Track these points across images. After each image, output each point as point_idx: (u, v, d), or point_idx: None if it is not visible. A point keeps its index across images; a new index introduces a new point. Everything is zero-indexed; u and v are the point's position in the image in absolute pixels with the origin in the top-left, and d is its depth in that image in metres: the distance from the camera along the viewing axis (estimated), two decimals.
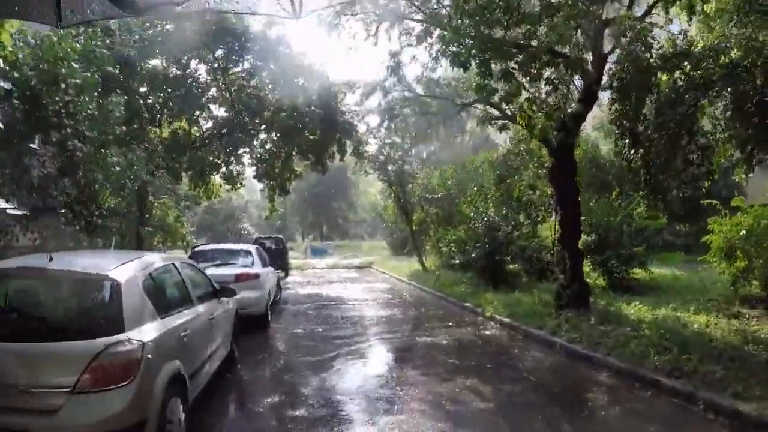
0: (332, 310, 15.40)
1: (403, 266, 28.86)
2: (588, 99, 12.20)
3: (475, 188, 22.09)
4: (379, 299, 17.94)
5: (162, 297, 5.70)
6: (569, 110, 12.57)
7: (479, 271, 17.87)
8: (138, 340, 4.52)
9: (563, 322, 10.81)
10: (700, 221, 23.42)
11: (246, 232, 66.06)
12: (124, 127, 16.02)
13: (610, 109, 11.00)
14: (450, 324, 13.03)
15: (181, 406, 5.21)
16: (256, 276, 12.19)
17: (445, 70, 15.58)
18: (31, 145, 11.66)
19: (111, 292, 4.75)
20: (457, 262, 19.09)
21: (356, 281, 25.40)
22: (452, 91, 16.02)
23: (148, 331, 4.76)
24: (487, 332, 11.91)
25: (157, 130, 21.71)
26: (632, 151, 11.14)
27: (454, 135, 23.39)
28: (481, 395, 7.10)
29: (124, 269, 5.07)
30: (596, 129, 24.20)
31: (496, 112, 14.79)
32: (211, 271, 11.85)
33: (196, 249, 14.80)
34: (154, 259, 6.01)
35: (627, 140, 11.02)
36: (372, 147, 25.70)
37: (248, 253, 13.22)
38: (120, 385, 4.31)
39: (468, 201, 20.90)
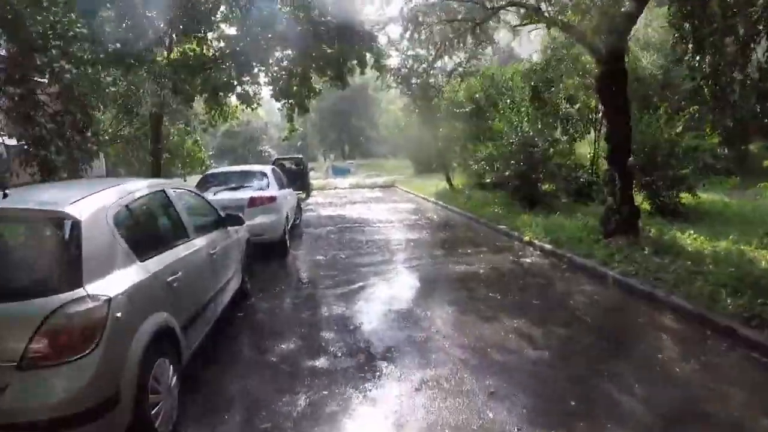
0: (356, 233, 14.38)
1: (430, 185, 27.66)
2: None
3: (508, 101, 20.47)
4: (405, 220, 16.87)
5: (143, 235, 4.64)
6: (621, 9, 11.02)
7: (513, 190, 16.65)
8: (102, 295, 3.47)
9: (615, 251, 9.65)
10: (748, 143, 21.96)
11: (267, 153, 65.06)
12: (118, 45, 14.71)
13: (669, 8, 9.49)
14: (484, 249, 11.95)
15: (171, 368, 4.23)
16: (272, 199, 11.12)
17: None
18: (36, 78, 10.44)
19: (67, 233, 3.63)
20: (488, 180, 17.76)
21: (380, 201, 24.35)
22: None
23: (118, 282, 3.70)
24: (528, 260, 10.78)
25: (165, 51, 20.25)
26: (697, 58, 9.61)
27: (482, 46, 21.56)
28: (530, 341, 6.04)
29: (88, 203, 3.95)
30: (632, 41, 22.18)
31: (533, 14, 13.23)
32: (222, 196, 10.91)
33: (206, 173, 13.65)
34: (137, 187, 4.85)
35: (690, 44, 9.48)
36: (394, 60, 24.05)
37: (263, 174, 12.08)
38: (78, 355, 3.29)
39: (500, 114, 19.36)
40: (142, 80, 14.02)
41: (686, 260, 8.56)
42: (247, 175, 12.16)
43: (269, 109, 67.95)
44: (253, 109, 27.30)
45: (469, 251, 11.72)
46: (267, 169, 12.62)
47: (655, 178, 13.90)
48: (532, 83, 19.85)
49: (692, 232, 10.86)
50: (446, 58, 23.48)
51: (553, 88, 18.59)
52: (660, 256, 8.98)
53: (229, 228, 7.10)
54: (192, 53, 21.92)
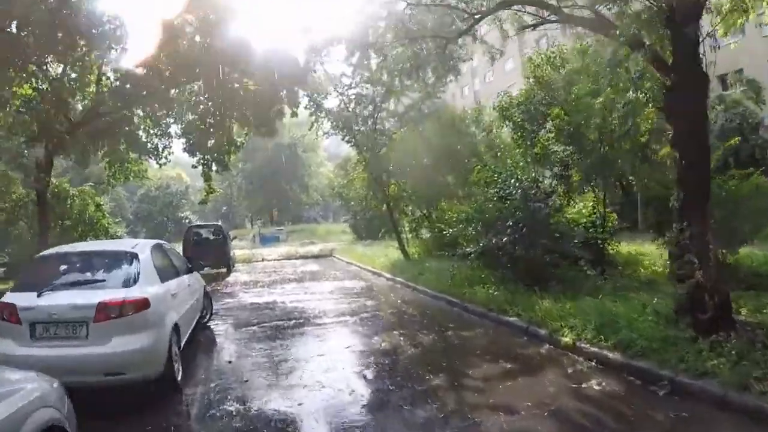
0: (295, 341, 9.42)
1: (375, 254, 23.00)
2: None
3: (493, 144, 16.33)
4: (359, 311, 12.00)
5: None
6: None
7: (510, 262, 12.11)
8: None
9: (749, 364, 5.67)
10: None
11: (188, 220, 59.24)
12: None
13: None
14: (508, 366, 7.39)
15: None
16: (142, 305, 6.10)
17: None
18: None
19: None
20: (470, 250, 13.12)
21: (319, 277, 19.45)
22: None
23: None
24: (595, 386, 6.34)
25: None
26: None
27: (449, 73, 17.55)
28: None
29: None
30: None
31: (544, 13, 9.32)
32: (50, 301, 5.95)
33: (40, 255, 8.06)
34: None
35: None
36: (332, 101, 19.73)
37: (132, 258, 6.88)
38: None
39: (478, 165, 15.16)
40: None
41: None
42: (105, 260, 6.96)
43: (193, 172, 62.03)
44: (160, 165, 22.53)
45: (485, 375, 7.03)
46: (142, 248, 7.38)
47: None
48: (515, 119, 15.95)
49: None
50: (396, 98, 19.44)
51: (547, 122, 14.62)
52: None
53: None
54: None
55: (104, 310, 5.87)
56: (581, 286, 10.80)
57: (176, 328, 6.95)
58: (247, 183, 70.45)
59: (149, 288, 6.46)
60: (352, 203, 33.67)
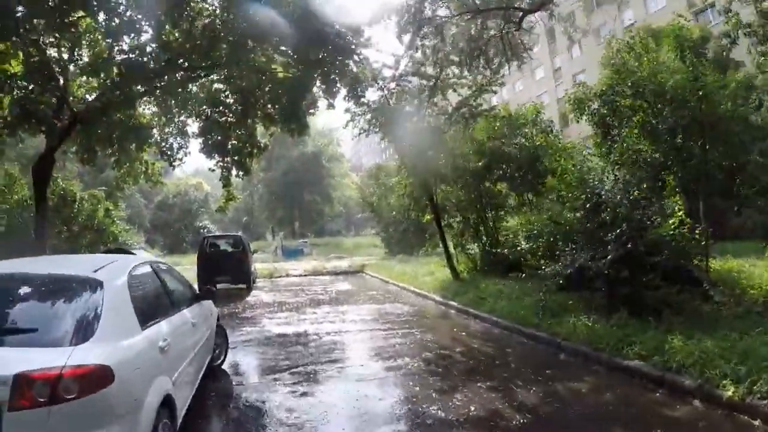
0: (340, 399, 6.64)
1: (416, 272, 20.22)
2: None
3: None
4: (421, 349, 9.24)
5: None
6: None
7: (610, 286, 9.29)
8: None
9: None
10: None
11: (206, 229, 56.90)
12: None
13: None
14: None
15: None
16: (98, 378, 3.39)
17: None
18: None
19: None
20: (553, 270, 10.24)
21: (355, 299, 16.68)
22: None
23: None
24: None
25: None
26: None
27: (512, 61, 14.84)
28: None
29: None
30: None
31: None
32: None
33: None
34: None
35: None
36: (372, 95, 17.09)
37: (89, 290, 4.06)
38: None
39: (562, 161, 12.48)
40: None
41: None
42: (46, 293, 4.12)
43: (213, 181, 59.67)
44: (174, 167, 20.10)
45: None
46: (113, 272, 4.39)
47: None
48: (595, 113, 13.20)
49: None
50: (444, 93, 16.73)
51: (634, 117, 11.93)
52: None
53: None
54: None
55: (27, 389, 3.17)
56: (698, 315, 8.45)
57: (168, 402, 4.23)
58: (269, 192, 68.01)
59: (116, 344, 3.73)
60: (386, 214, 30.96)
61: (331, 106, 14.87)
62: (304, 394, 6.84)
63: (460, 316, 12.63)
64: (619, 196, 9.62)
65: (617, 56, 14.05)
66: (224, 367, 8.10)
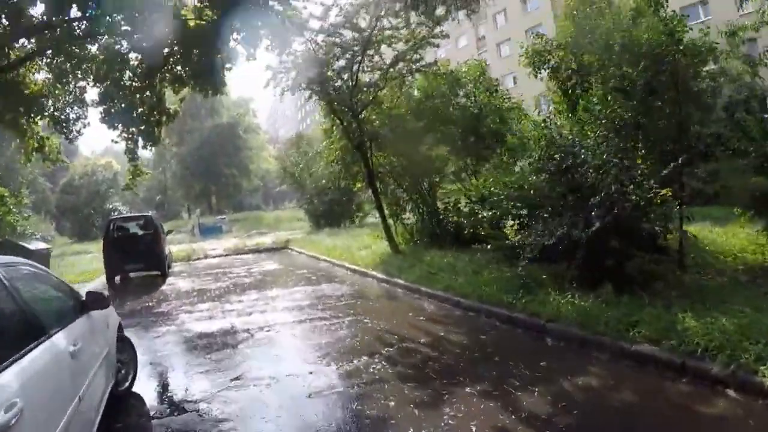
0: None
1: (349, 245, 18.57)
2: None
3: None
4: (379, 343, 7.58)
5: None
6: None
7: (592, 259, 7.98)
8: None
9: None
10: None
11: (116, 212, 52.99)
12: None
13: None
14: None
15: None
16: None
17: None
18: None
19: None
20: (528, 242, 8.80)
21: (285, 280, 14.90)
22: None
23: None
24: None
25: None
26: None
27: (460, 7, 13.20)
28: None
29: None
30: None
31: None
32: None
33: None
34: None
35: None
36: (299, 47, 15.09)
37: None
38: None
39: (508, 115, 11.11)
40: None
41: None
42: None
43: (124, 159, 54.72)
44: (70, 141, 17.65)
45: None
46: None
47: None
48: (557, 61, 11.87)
49: None
50: (380, 46, 15.00)
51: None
52: None
53: None
54: None
55: None
56: (682, 287, 7.79)
57: None
58: (183, 168, 64.20)
59: None
60: (309, 185, 29.01)
61: (251, 57, 12.83)
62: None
63: (411, 296, 11.09)
64: (602, 157, 8.31)
65: (579, 7, 12.79)
66: (135, 389, 6.23)
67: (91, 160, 61.28)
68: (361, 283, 13.38)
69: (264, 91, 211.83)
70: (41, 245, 12.40)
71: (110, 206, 55.29)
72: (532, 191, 9.52)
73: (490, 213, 10.93)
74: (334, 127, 16.17)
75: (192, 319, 10.29)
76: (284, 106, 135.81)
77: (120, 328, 6.18)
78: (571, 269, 8.53)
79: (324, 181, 26.17)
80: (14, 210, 24.13)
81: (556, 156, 8.92)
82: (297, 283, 14.06)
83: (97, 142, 76.53)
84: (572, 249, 8.12)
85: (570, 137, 9.22)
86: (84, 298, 4.98)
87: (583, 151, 8.64)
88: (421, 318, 9.12)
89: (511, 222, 11.50)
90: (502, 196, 10.14)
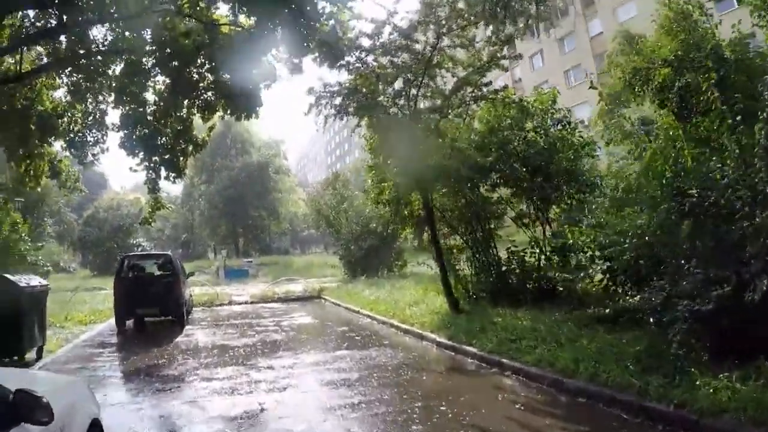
0: None
1: (393, 299, 16.08)
2: None
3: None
4: None
5: None
6: None
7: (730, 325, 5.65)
8: None
9: None
10: None
11: (140, 248, 51.35)
12: None
13: None
14: None
15: None
16: None
17: None
18: None
19: None
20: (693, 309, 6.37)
21: (323, 339, 12.58)
22: None
23: None
24: None
25: None
26: None
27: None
28: None
29: None
30: None
31: None
32: None
33: None
34: None
35: None
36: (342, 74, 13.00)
37: None
38: None
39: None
40: None
41: None
42: None
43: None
44: (84, 166, 15.95)
45: None
46: None
47: None
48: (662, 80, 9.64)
49: None
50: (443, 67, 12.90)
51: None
52: None
53: None
54: None
55: None
56: None
57: None
58: (211, 207, 62.56)
59: None
60: (344, 229, 26.70)
61: (296, 70, 10.79)
62: None
63: (489, 371, 8.60)
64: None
65: (681, 19, 10.57)
66: None
67: (119, 194, 60.01)
68: (418, 349, 10.90)
69: (294, 135, 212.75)
70: (37, 282, 10.26)
71: (134, 242, 53.66)
72: (656, 239, 7.23)
73: (605, 266, 8.55)
74: (380, 163, 13.86)
75: (209, 392, 7.90)
76: (315, 150, 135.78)
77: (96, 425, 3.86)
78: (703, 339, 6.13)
79: (358, 226, 24.10)
80: (26, 238, 22.47)
81: (691, 191, 6.62)
82: (338, 344, 11.64)
83: (128, 177, 75.75)
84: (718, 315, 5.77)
85: (703, 169, 6.93)
86: (11, 398, 2.68)
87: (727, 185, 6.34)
88: (517, 406, 6.66)
89: (600, 276, 9.61)
90: (626, 245, 7.74)
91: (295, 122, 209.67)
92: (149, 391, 7.98)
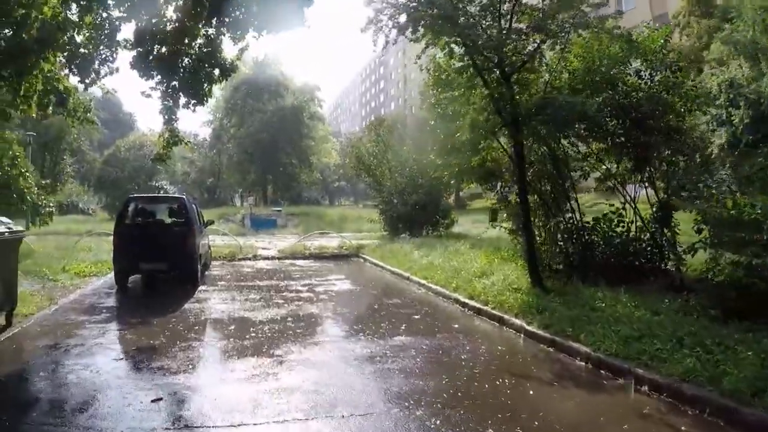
0: None
1: (452, 266, 13.22)
2: None
3: None
4: None
5: None
6: None
7: None
8: None
9: None
10: None
11: (163, 190, 49.13)
12: None
13: None
14: None
15: None
16: None
17: None
18: None
19: None
20: None
21: (373, 318, 9.79)
22: None
23: None
24: None
25: None
26: None
27: None
28: None
29: None
30: None
31: None
32: None
33: None
34: None
35: None
36: None
37: None
38: None
39: None
40: None
41: None
42: None
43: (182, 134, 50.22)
44: (86, 87, 13.57)
45: None
46: None
47: None
48: None
49: None
50: None
51: None
52: None
53: None
54: None
55: None
56: None
57: None
58: (240, 152, 59.83)
59: None
60: (387, 181, 23.83)
61: None
62: None
63: (615, 384, 5.84)
64: None
65: None
66: None
67: (146, 135, 57.56)
68: (502, 339, 8.10)
69: (327, 86, 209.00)
70: (3, 228, 7.56)
71: (156, 184, 51.50)
72: None
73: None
74: (472, 91, 10.69)
75: (220, 405, 5.18)
76: (349, 101, 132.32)
77: None
78: None
79: (404, 178, 21.34)
80: (28, 174, 20.15)
81: None
82: (394, 326, 8.85)
83: (158, 119, 72.33)
84: None
85: None
86: None
87: None
88: None
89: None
90: None
91: (328, 72, 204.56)
92: (136, 396, 5.31)
